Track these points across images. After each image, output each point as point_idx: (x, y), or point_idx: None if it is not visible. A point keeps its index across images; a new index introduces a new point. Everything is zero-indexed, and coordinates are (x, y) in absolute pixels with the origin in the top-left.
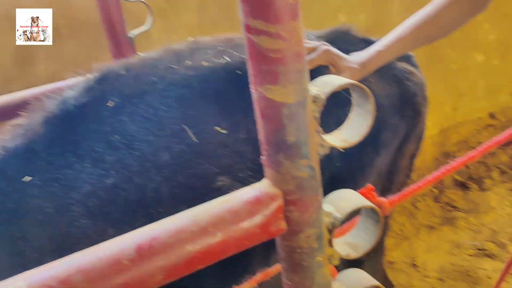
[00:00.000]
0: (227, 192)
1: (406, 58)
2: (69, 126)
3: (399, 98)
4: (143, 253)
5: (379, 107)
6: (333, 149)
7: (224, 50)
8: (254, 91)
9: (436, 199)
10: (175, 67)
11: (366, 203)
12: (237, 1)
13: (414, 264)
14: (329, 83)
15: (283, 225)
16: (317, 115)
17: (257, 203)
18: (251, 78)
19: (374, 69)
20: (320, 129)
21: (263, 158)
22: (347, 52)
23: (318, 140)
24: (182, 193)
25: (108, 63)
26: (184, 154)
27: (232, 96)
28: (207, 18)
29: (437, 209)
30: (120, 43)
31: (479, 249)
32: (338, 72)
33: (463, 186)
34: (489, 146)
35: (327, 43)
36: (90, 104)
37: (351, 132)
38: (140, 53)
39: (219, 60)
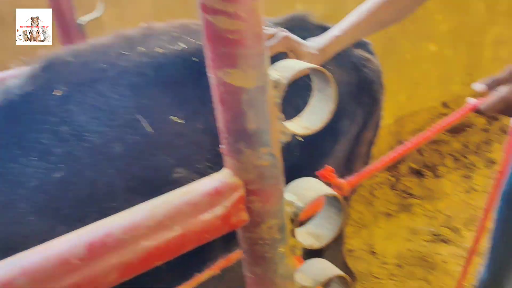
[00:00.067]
0: (185, 185)
1: (363, 45)
2: (13, 117)
3: (357, 85)
4: (95, 251)
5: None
6: (292, 137)
7: (180, 37)
8: (212, 75)
9: (393, 187)
10: (127, 53)
11: (329, 191)
12: None
13: (373, 251)
14: (290, 67)
15: (244, 216)
16: (278, 101)
17: (218, 194)
18: (209, 62)
19: (333, 54)
20: (282, 115)
21: (223, 147)
22: (304, 39)
23: (280, 128)
24: (137, 186)
25: (54, 50)
26: (138, 145)
27: (189, 84)
28: (162, 5)
29: (394, 196)
30: (69, 30)
31: (434, 235)
32: (298, 58)
33: (418, 173)
34: (442, 127)
35: (285, 30)
36: (35, 93)
37: (312, 118)
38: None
39: (174, 47)
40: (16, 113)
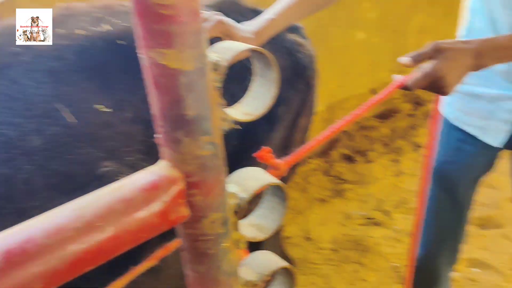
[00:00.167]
0: (115, 179)
1: (296, 30)
2: None
3: (291, 71)
4: (14, 259)
5: None
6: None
7: (103, 18)
8: (145, 56)
9: (326, 173)
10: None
11: (272, 180)
12: None
13: (309, 238)
14: (230, 48)
15: (185, 211)
16: (219, 85)
17: (154, 189)
18: (140, 41)
19: (268, 38)
20: (223, 101)
21: (159, 137)
22: (237, 22)
23: (221, 114)
24: (60, 183)
25: None
26: (60, 137)
27: (115, 69)
28: None
29: (327, 182)
30: None
31: (367, 218)
32: None
33: (349, 159)
34: (372, 104)
35: (220, 13)
36: None
37: (254, 104)
38: None
39: (97, 29)
40: None
